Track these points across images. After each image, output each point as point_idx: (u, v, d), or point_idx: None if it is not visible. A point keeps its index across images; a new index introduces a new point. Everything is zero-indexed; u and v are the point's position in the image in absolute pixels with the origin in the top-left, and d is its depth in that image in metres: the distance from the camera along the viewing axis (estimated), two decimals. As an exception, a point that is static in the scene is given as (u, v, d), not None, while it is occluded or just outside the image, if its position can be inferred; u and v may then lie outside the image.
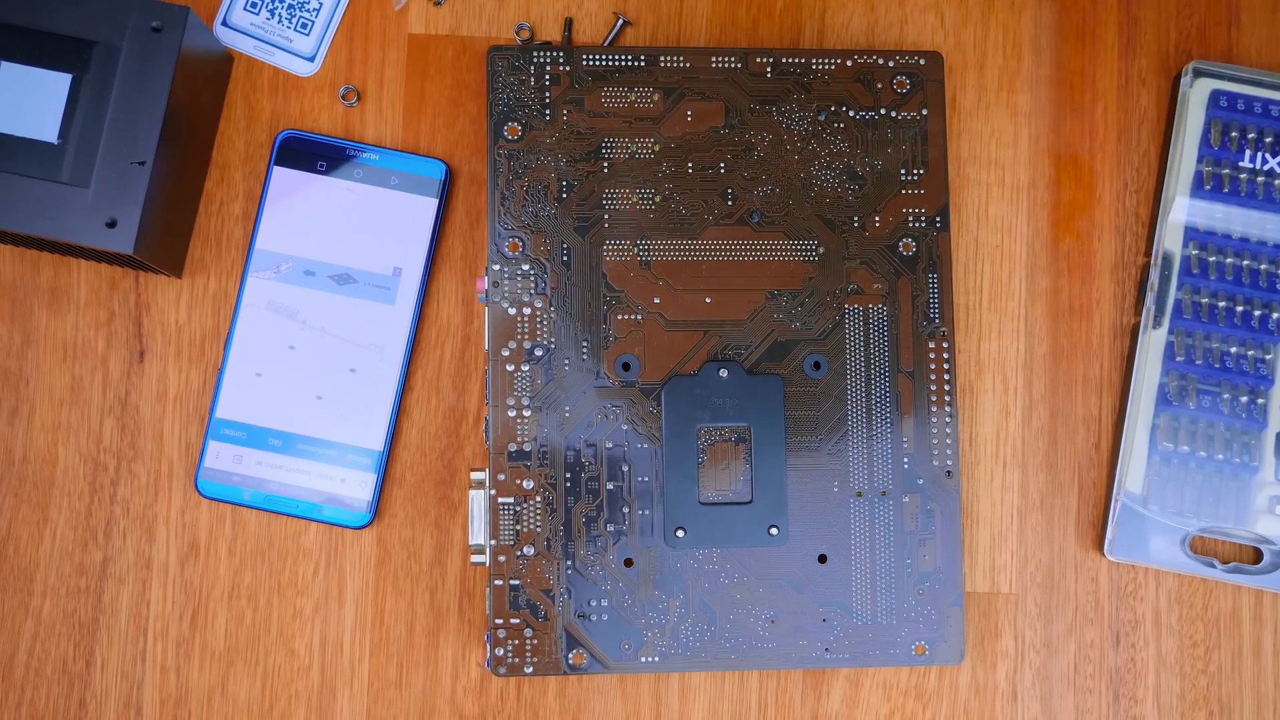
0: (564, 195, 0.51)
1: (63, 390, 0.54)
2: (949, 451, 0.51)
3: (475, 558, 0.50)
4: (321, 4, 0.55)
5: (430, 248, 0.54)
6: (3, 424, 0.54)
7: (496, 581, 0.50)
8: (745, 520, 0.50)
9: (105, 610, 0.53)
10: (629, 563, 0.50)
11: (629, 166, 0.51)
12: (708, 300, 0.51)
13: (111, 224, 0.49)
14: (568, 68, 0.51)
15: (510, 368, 0.50)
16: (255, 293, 0.53)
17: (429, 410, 0.54)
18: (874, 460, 0.51)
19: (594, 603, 0.50)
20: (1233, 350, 0.54)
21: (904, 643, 0.50)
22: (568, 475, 0.50)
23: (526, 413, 0.50)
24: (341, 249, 0.53)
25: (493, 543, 0.50)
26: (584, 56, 0.51)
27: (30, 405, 0.54)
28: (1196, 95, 0.54)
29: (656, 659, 0.50)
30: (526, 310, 0.50)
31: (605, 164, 0.51)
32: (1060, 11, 0.56)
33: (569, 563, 0.50)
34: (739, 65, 0.52)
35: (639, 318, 0.51)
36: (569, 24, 0.55)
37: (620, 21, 0.55)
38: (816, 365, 0.51)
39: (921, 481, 0.51)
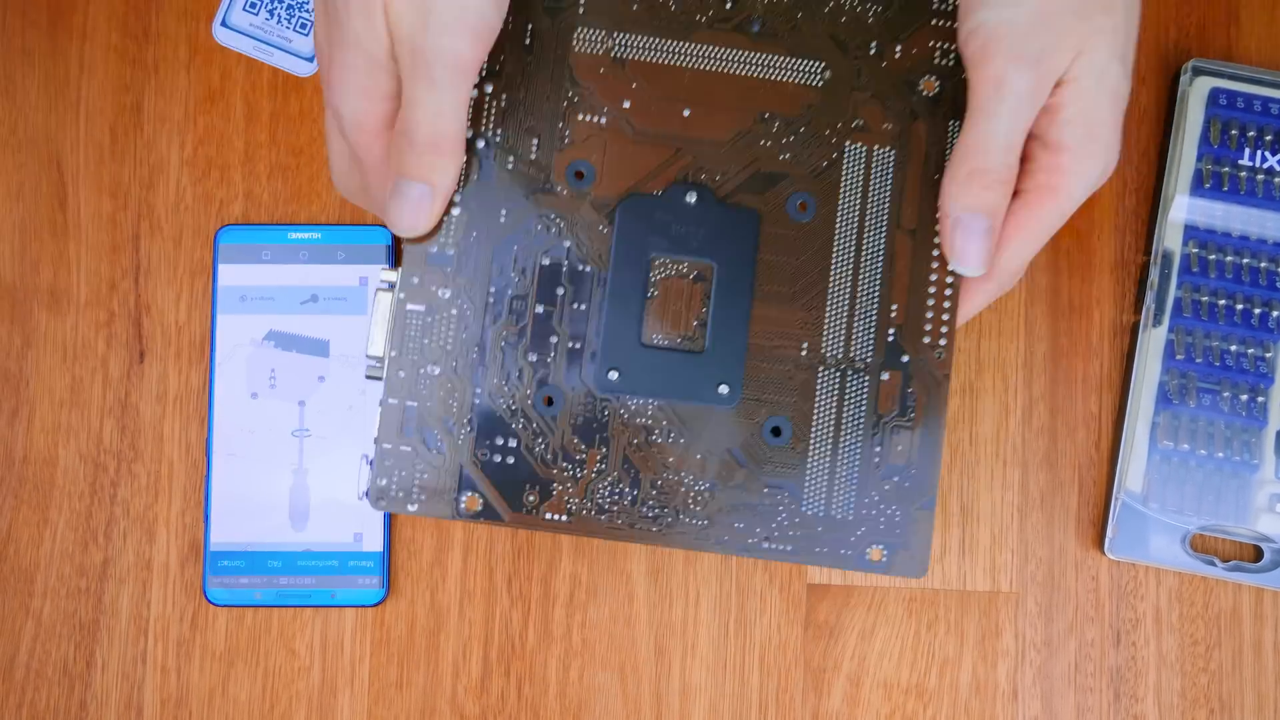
0: None
1: (63, 391, 0.54)
2: (943, 330, 0.44)
3: (370, 367, 0.43)
4: (321, 4, 0.55)
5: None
6: (3, 425, 0.54)
7: (390, 400, 0.42)
8: (692, 372, 0.43)
9: (106, 611, 0.53)
10: (548, 400, 0.43)
11: None
12: (686, 113, 0.43)
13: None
14: None
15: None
16: (226, 373, 0.53)
17: (429, 410, 0.54)
18: (854, 326, 0.43)
19: (500, 441, 0.43)
20: (1233, 348, 0.54)
21: (858, 544, 0.43)
22: (491, 290, 0.43)
23: (455, 210, 0.43)
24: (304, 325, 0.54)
25: (393, 354, 0.43)
26: None
27: (30, 406, 0.54)
28: (1196, 93, 0.54)
29: (563, 519, 0.43)
30: (473, 93, 0.43)
31: None
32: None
33: (477, 390, 0.43)
34: None
35: (602, 120, 0.43)
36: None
37: None
38: (802, 206, 0.44)
39: (906, 359, 0.43)
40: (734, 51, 0.44)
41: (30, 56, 0.55)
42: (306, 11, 0.55)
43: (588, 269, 0.43)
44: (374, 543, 0.53)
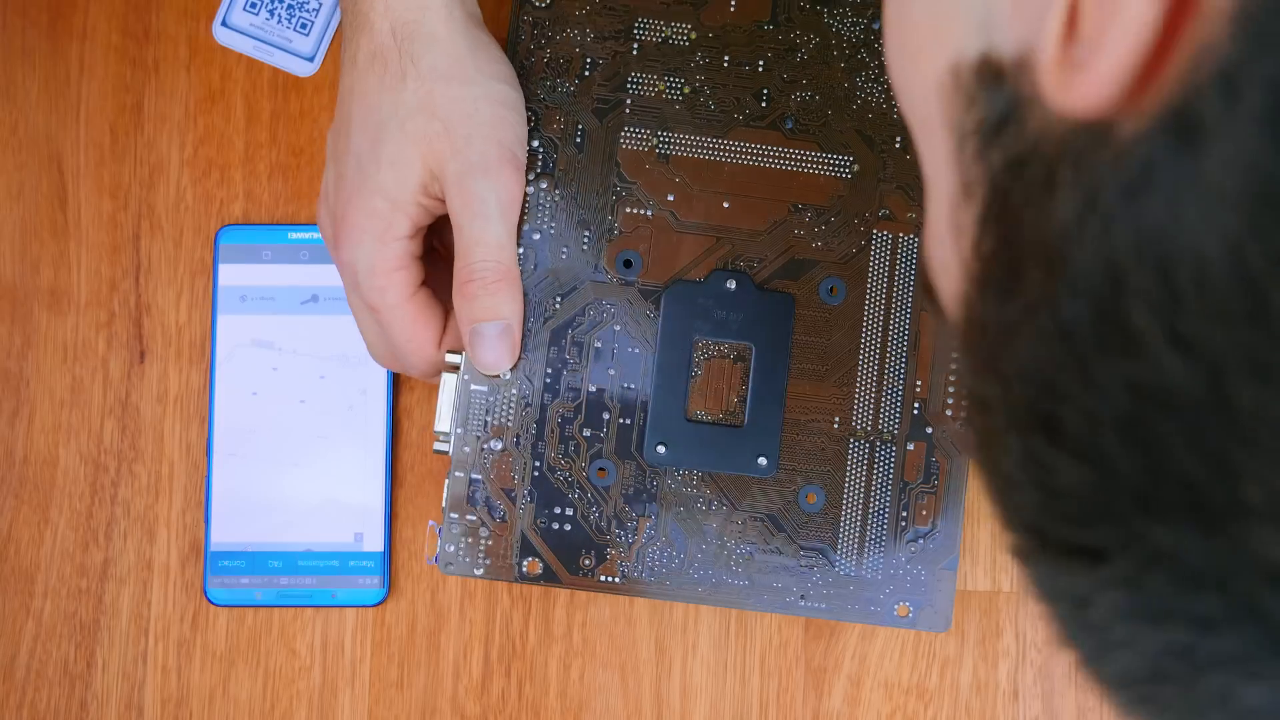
0: (586, 73, 0.47)
1: (63, 391, 0.54)
2: (964, 404, 0.47)
3: (438, 445, 0.47)
4: (321, 4, 0.55)
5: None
6: (3, 425, 0.54)
7: (457, 474, 0.46)
8: (733, 445, 0.47)
9: (106, 611, 0.53)
10: (602, 473, 0.47)
11: (660, 51, 0.47)
12: (725, 205, 0.47)
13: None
14: None
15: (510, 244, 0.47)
16: (227, 369, 0.53)
17: (430, 410, 0.54)
18: (882, 401, 0.47)
19: (558, 510, 0.47)
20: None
21: (887, 601, 0.47)
22: (548, 371, 0.47)
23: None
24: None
25: (459, 431, 0.46)
26: None
27: (30, 407, 0.54)
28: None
29: (617, 580, 0.47)
30: (529, 189, 0.47)
31: (635, 45, 0.47)
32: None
33: (537, 464, 0.46)
34: None
35: (649, 213, 0.47)
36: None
37: None
38: (833, 290, 0.47)
39: (930, 431, 0.47)
40: (769, 147, 0.48)
41: (30, 56, 0.55)
42: (307, 11, 0.55)
43: (636, 351, 0.47)
44: (374, 543, 0.53)
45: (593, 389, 0.47)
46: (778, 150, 0.48)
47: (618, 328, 0.47)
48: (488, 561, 0.47)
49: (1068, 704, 0.53)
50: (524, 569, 0.47)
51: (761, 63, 0.48)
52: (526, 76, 0.47)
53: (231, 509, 0.53)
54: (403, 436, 0.54)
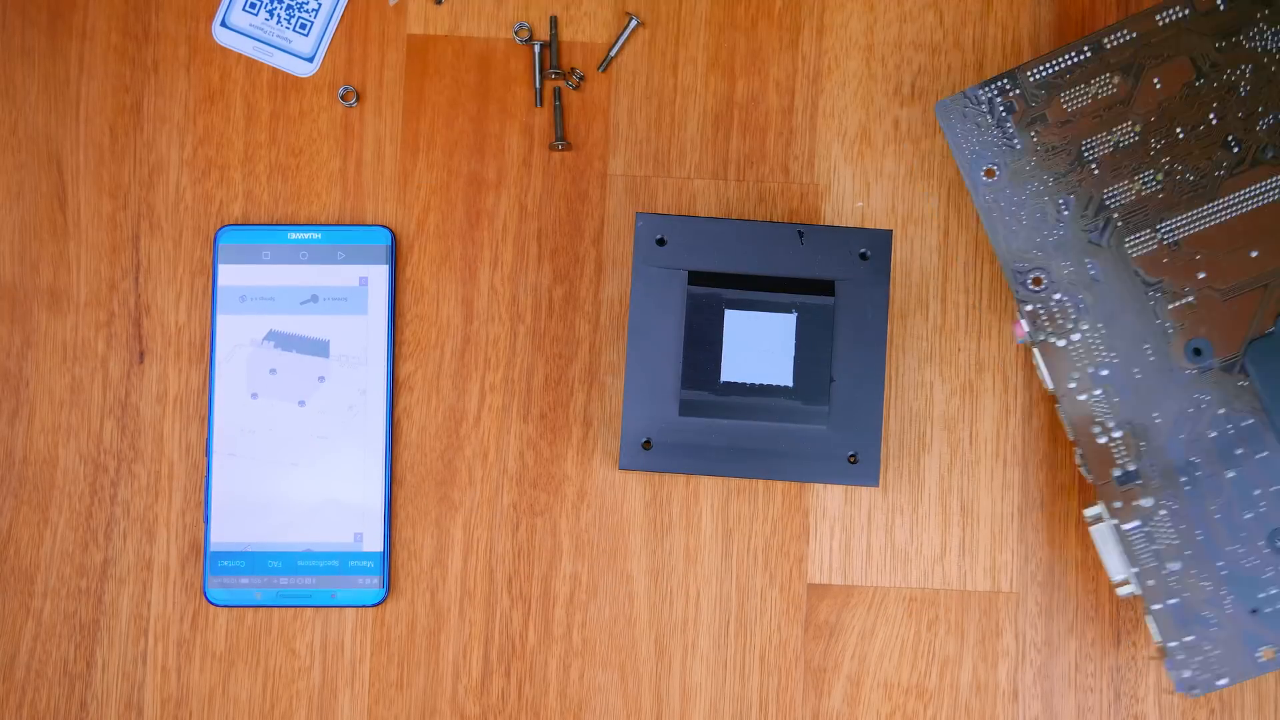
0: (1065, 212, 0.49)
1: (63, 391, 0.54)
2: None
3: (1122, 590, 0.49)
4: (320, 4, 0.55)
5: (390, 319, 0.54)
6: (3, 425, 0.54)
7: (1156, 606, 0.48)
8: None
9: (106, 611, 0.53)
10: None
11: (1117, 158, 0.49)
12: (1253, 254, 0.48)
13: (853, 459, 0.50)
14: (1017, 90, 0.49)
15: (1082, 397, 0.49)
16: (226, 376, 0.53)
17: (429, 410, 0.54)
18: None
19: (1260, 595, 0.48)
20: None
21: None
22: (1184, 479, 0.48)
23: (1116, 434, 0.49)
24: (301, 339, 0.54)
25: (1135, 570, 0.48)
26: (1028, 72, 0.49)
27: (30, 407, 0.54)
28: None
29: None
30: (1075, 336, 0.49)
31: (1093, 166, 0.49)
32: (1060, 11, 0.56)
33: (1219, 564, 0.48)
34: (1185, 12, 0.49)
35: (1191, 300, 0.48)
36: (554, 22, 0.55)
37: (633, 22, 0.54)
38: None
39: None
40: (1264, 183, 0.48)
41: (30, 56, 0.55)
42: (306, 11, 0.55)
43: (1250, 422, 0.48)
44: (374, 543, 0.53)
45: (1231, 474, 0.48)
46: (1273, 181, 0.49)
47: (1221, 411, 0.48)
48: (1224, 669, 0.48)
49: (1067, 704, 0.53)
50: (1260, 658, 0.48)
51: (1212, 116, 0.49)
52: (1015, 244, 0.49)
53: (231, 509, 0.53)
54: (402, 437, 0.54)
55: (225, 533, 0.53)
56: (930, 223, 0.55)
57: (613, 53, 0.55)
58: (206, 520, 0.53)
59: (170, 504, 0.53)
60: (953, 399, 0.54)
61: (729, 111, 0.55)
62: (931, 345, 0.54)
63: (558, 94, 0.55)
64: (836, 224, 0.54)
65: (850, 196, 0.55)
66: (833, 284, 0.50)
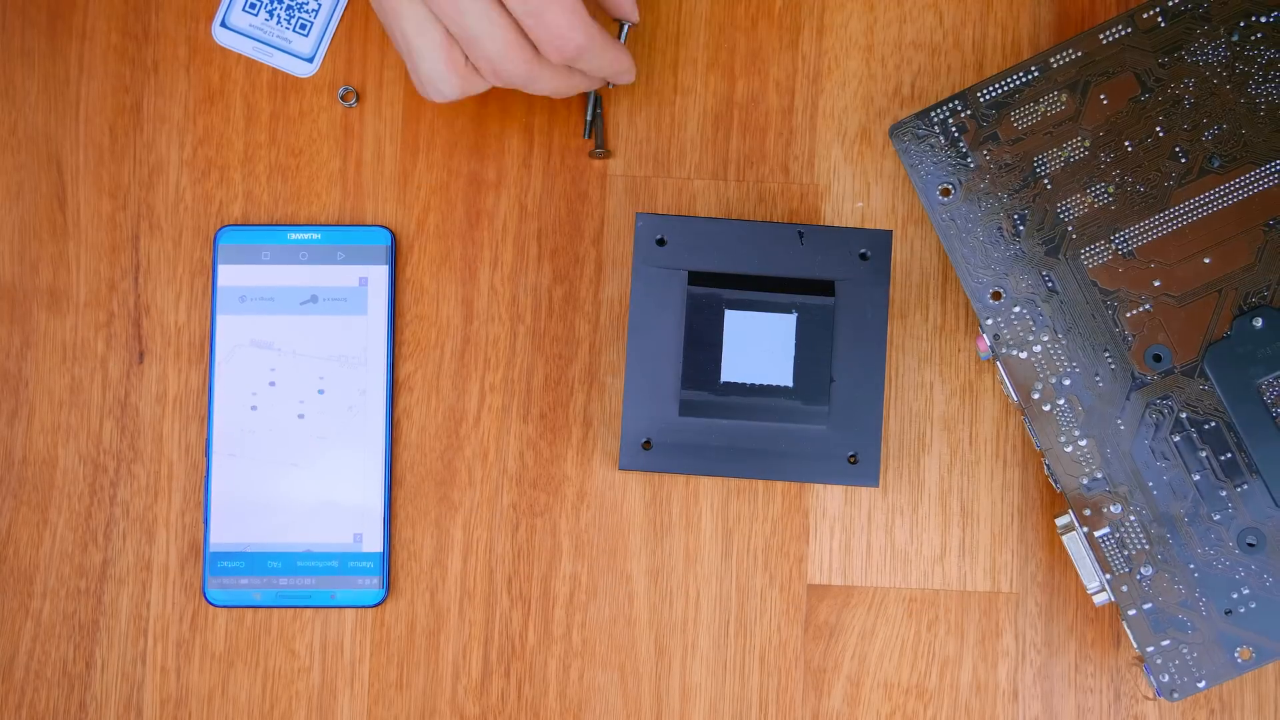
0: (1020, 227, 0.50)
1: (62, 392, 0.54)
2: None
3: (1098, 598, 0.49)
4: (320, 5, 0.55)
5: (390, 320, 0.54)
6: (2, 426, 0.53)
7: (1130, 612, 0.49)
8: None
9: (105, 612, 0.53)
10: (1251, 544, 0.48)
11: (1069, 173, 0.50)
12: (1207, 260, 0.49)
13: (853, 459, 0.50)
14: (968, 111, 0.51)
15: (1047, 408, 0.50)
16: (226, 376, 0.53)
17: (429, 410, 0.54)
18: None
19: (1233, 595, 0.48)
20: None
21: None
22: (1149, 484, 0.49)
23: (1082, 443, 0.49)
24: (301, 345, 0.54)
25: (1108, 577, 0.49)
26: (979, 93, 0.51)
27: (30, 407, 0.54)
28: None
29: None
30: (1036, 348, 0.50)
31: (1046, 182, 0.50)
32: (1060, 11, 0.56)
33: (1191, 565, 0.49)
34: (1128, 30, 0.50)
35: (1148, 307, 0.50)
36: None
37: (625, 25, 0.54)
38: None
39: None
40: (1212, 191, 0.50)
41: (30, 56, 0.55)
42: (306, 12, 0.55)
43: (1212, 425, 0.49)
44: (374, 543, 0.53)
45: (1196, 477, 0.49)
46: (1221, 189, 0.50)
47: (1183, 415, 0.49)
48: (1203, 670, 0.49)
49: (1067, 704, 0.53)
50: (1238, 659, 0.48)
51: (1159, 129, 0.50)
52: (973, 262, 0.50)
53: (230, 510, 0.53)
54: (402, 437, 0.54)
55: (225, 533, 0.52)
56: (930, 223, 0.55)
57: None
58: (206, 521, 0.53)
59: (170, 504, 0.53)
60: (953, 399, 0.54)
61: (729, 111, 0.55)
62: (931, 345, 0.54)
63: (597, 100, 0.54)
64: (836, 224, 0.54)
65: (850, 197, 0.55)
66: (833, 284, 0.50)
